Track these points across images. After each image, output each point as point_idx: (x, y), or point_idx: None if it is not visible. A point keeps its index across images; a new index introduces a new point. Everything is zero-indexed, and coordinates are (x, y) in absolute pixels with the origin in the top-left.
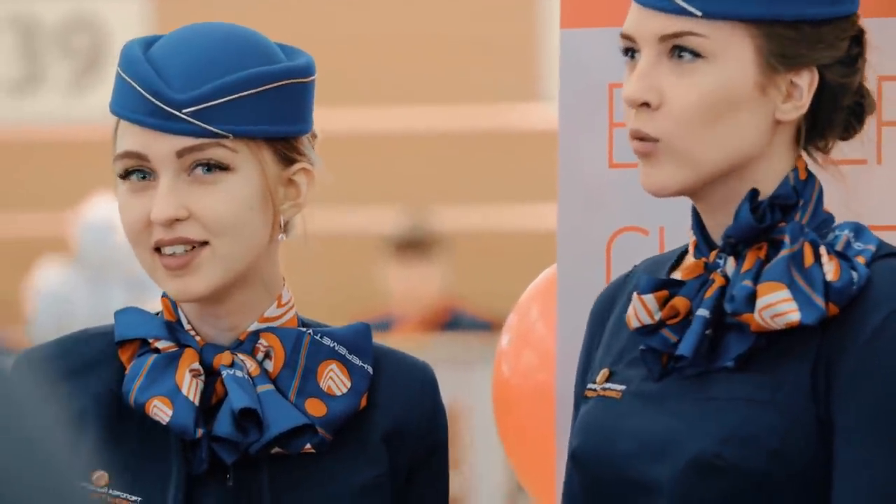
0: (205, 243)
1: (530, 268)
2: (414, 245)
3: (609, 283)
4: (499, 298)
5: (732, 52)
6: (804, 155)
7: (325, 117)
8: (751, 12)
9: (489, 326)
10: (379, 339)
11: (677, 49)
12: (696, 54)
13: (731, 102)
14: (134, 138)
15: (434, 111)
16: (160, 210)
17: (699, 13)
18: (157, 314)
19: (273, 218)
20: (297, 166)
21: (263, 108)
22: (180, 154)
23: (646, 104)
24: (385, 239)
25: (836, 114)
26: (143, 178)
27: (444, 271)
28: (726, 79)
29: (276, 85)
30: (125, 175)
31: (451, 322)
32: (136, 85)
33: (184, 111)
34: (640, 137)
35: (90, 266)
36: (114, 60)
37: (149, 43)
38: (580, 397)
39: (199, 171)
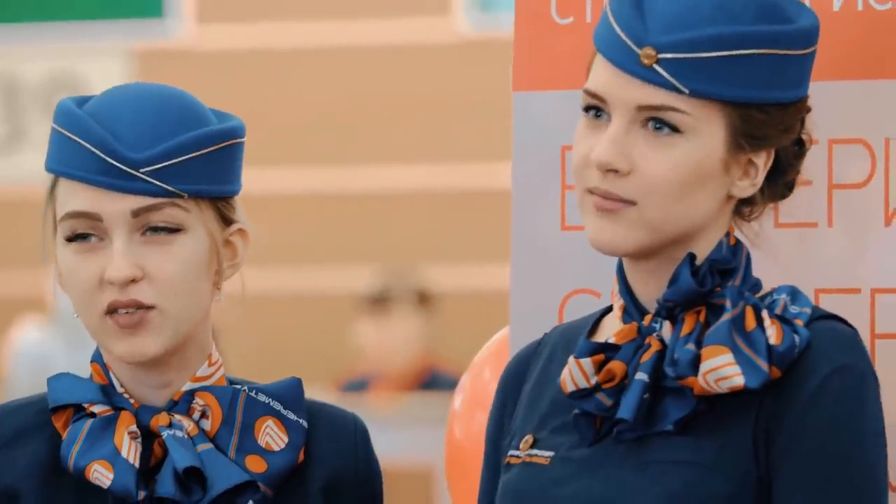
0: (152, 307)
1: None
2: (391, 304)
3: (518, 351)
4: None
5: (707, 129)
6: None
7: (301, 176)
8: (733, 94)
9: None
10: (356, 398)
11: (654, 120)
12: (674, 129)
13: (698, 178)
14: (85, 198)
15: (412, 170)
16: (117, 270)
17: (686, 91)
18: (88, 378)
19: (215, 279)
20: (234, 227)
21: (211, 167)
22: (136, 214)
23: (614, 170)
24: (361, 298)
25: (777, 188)
26: (89, 239)
27: (422, 330)
28: (698, 155)
29: (222, 145)
30: (73, 237)
31: (430, 381)
32: (86, 144)
33: (141, 170)
34: (609, 198)
35: (68, 326)
36: None
37: (81, 101)
38: (493, 464)
39: (152, 232)
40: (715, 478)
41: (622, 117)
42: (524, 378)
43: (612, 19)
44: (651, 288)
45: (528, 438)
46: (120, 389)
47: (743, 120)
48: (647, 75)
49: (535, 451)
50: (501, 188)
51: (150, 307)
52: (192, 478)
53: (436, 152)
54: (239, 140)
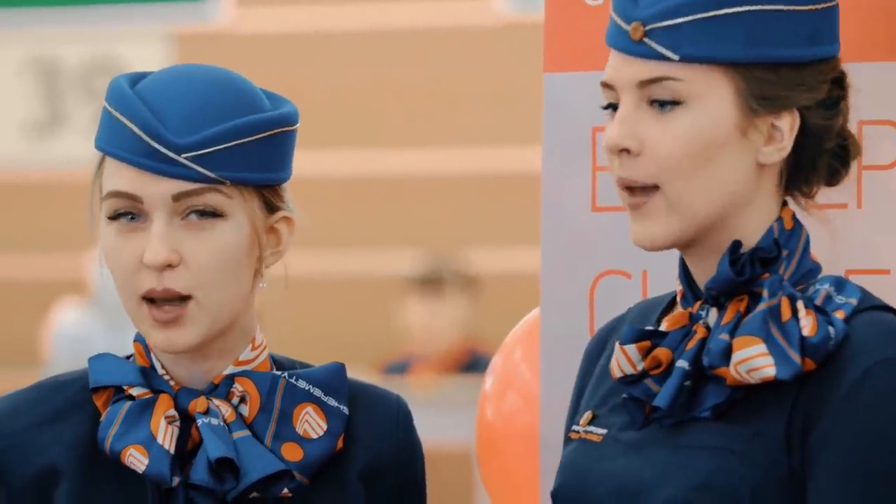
0: (189, 297)
1: None
2: (434, 286)
3: (604, 324)
4: None
5: (711, 95)
6: (790, 202)
7: (341, 159)
8: (728, 55)
9: None
10: (398, 380)
11: (658, 99)
12: (676, 100)
13: (712, 145)
14: (127, 179)
15: (454, 154)
16: (154, 253)
17: (676, 57)
18: (129, 357)
19: (257, 265)
20: (279, 214)
21: (257, 155)
22: (176, 198)
23: (626, 150)
24: (405, 280)
25: (819, 157)
26: (132, 219)
27: (464, 313)
28: (706, 122)
29: (270, 133)
30: (114, 216)
31: (470, 364)
32: (132, 125)
33: (183, 155)
34: (629, 185)
35: (107, 308)
36: None
37: (135, 80)
38: (567, 438)
39: (192, 216)
40: (741, 465)
41: (628, 97)
42: (601, 353)
43: (611, 7)
44: (705, 274)
45: (588, 415)
46: (161, 371)
47: (748, 80)
48: (639, 49)
49: (591, 428)
50: (539, 171)
51: (185, 297)
52: (226, 466)
53: (481, 135)
54: (288, 128)
